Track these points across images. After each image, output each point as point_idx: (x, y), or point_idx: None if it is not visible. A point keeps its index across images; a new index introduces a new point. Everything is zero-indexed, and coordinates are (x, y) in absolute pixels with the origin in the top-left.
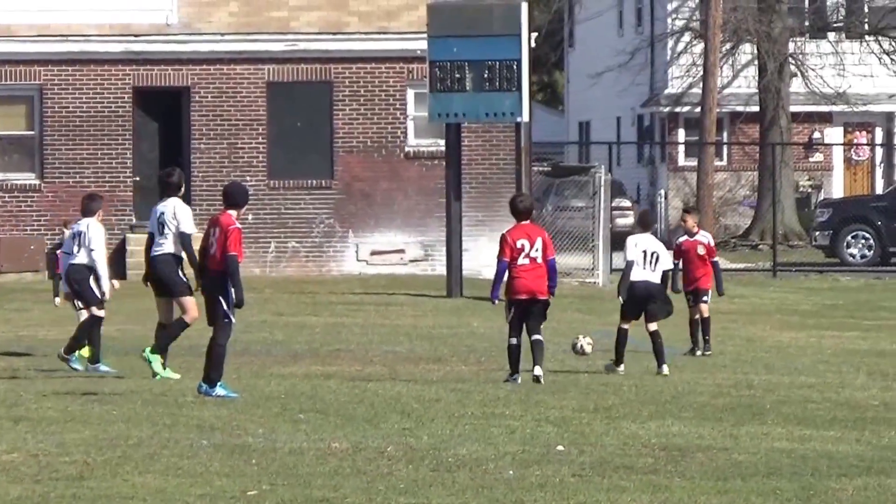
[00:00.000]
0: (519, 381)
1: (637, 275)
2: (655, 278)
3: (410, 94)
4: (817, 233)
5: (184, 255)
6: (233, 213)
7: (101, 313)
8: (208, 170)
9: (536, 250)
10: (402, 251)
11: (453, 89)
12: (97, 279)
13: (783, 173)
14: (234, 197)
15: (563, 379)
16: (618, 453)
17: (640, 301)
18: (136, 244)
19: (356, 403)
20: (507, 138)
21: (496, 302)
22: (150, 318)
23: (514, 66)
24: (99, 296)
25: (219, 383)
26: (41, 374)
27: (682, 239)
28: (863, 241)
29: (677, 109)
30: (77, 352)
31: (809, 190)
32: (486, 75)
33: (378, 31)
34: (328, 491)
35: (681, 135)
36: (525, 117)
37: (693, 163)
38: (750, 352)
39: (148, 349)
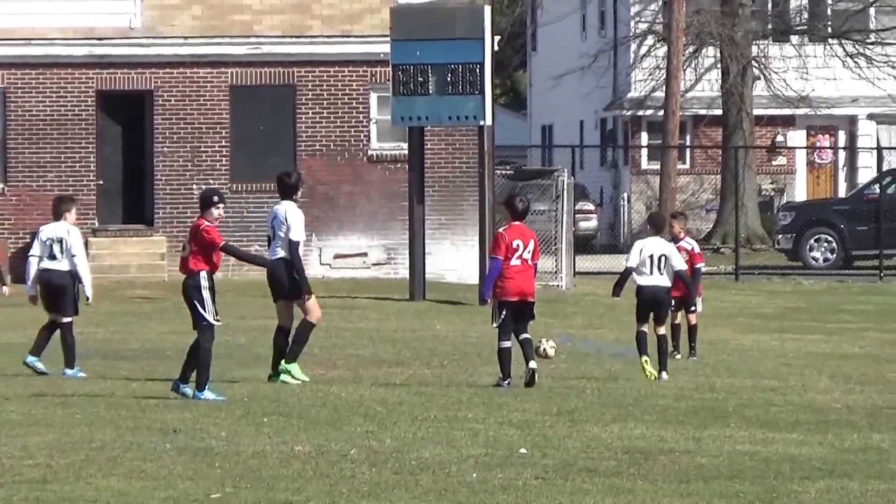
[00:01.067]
0: (511, 385)
1: (644, 280)
2: (664, 282)
3: (373, 97)
4: (780, 236)
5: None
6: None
7: (68, 319)
8: (171, 173)
9: (528, 252)
10: (364, 254)
11: (416, 93)
12: (78, 285)
13: (746, 177)
14: (200, 201)
15: None
16: (580, 456)
17: (648, 305)
18: (98, 248)
19: (319, 407)
20: (469, 141)
21: (488, 301)
22: (111, 321)
23: (477, 70)
24: (78, 303)
25: (207, 387)
26: (3, 377)
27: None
28: (825, 244)
29: (640, 113)
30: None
31: (772, 193)
32: (448, 79)
33: (341, 35)
34: (291, 494)
35: (644, 138)
36: (488, 120)
37: (656, 166)
38: (712, 355)
39: (284, 364)
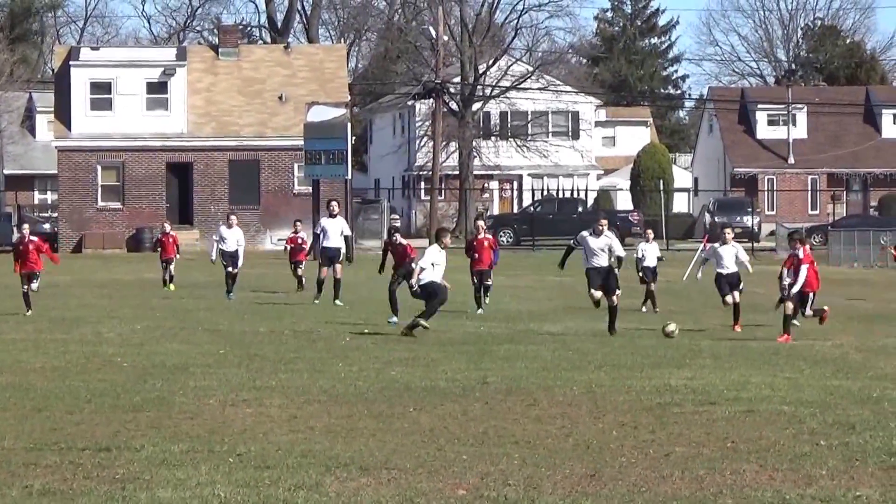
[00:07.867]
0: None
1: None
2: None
3: (295, 165)
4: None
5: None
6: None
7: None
8: (203, 202)
9: (484, 248)
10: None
11: (315, 163)
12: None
13: (469, 203)
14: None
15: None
16: (395, 335)
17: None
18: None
19: (277, 309)
20: (340, 187)
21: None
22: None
23: (344, 152)
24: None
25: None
26: (122, 298)
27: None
28: (508, 234)
29: (421, 173)
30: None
31: (483, 210)
32: (331, 156)
33: (281, 136)
34: (255, 350)
35: (422, 185)
36: (349, 176)
37: (428, 198)
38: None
39: (336, 301)
